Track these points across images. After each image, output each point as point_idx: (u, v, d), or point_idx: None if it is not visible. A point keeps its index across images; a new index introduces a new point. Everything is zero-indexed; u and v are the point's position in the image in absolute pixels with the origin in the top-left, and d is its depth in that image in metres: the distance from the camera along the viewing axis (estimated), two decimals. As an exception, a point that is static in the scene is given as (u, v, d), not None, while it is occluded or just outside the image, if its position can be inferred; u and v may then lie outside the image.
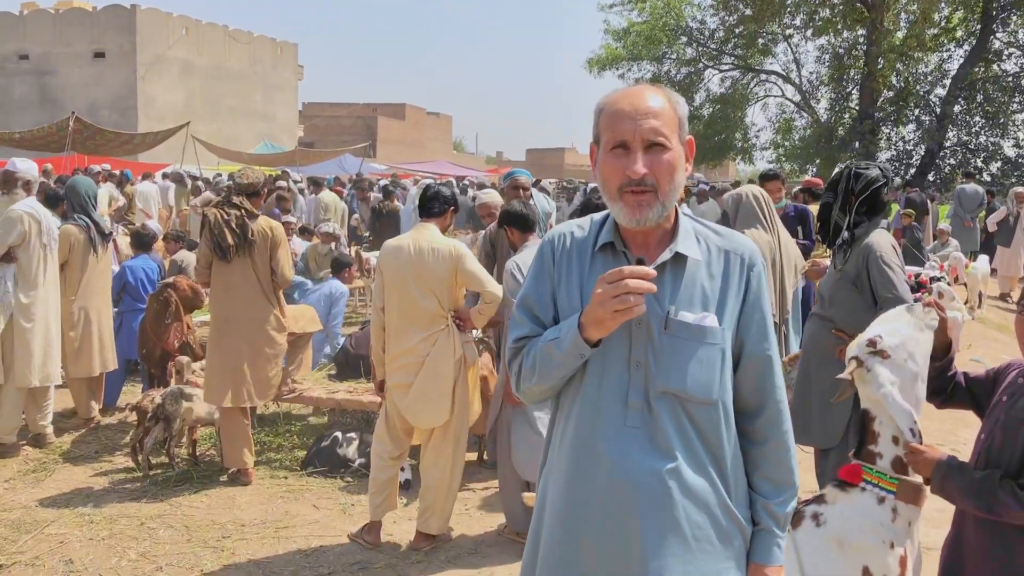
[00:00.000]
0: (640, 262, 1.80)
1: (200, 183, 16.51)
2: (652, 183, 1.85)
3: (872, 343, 2.69)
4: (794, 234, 7.30)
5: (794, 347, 5.49)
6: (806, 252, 6.95)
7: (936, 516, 5.03)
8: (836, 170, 4.48)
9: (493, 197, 7.04)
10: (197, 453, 6.05)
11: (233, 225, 5.46)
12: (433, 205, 4.68)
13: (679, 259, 1.92)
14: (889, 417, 2.67)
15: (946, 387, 2.82)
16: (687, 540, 1.86)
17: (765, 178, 7.69)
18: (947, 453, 2.61)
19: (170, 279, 6.95)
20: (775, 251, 5.40)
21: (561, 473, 1.96)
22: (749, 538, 1.97)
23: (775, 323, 5.42)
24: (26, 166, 6.36)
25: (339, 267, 8.95)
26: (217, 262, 5.48)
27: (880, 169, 4.31)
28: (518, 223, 4.87)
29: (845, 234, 4.32)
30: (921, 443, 2.64)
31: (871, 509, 2.65)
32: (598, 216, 2.06)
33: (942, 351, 2.79)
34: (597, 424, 1.90)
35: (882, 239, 4.24)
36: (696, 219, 2.02)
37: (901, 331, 2.71)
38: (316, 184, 16.73)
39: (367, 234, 15.21)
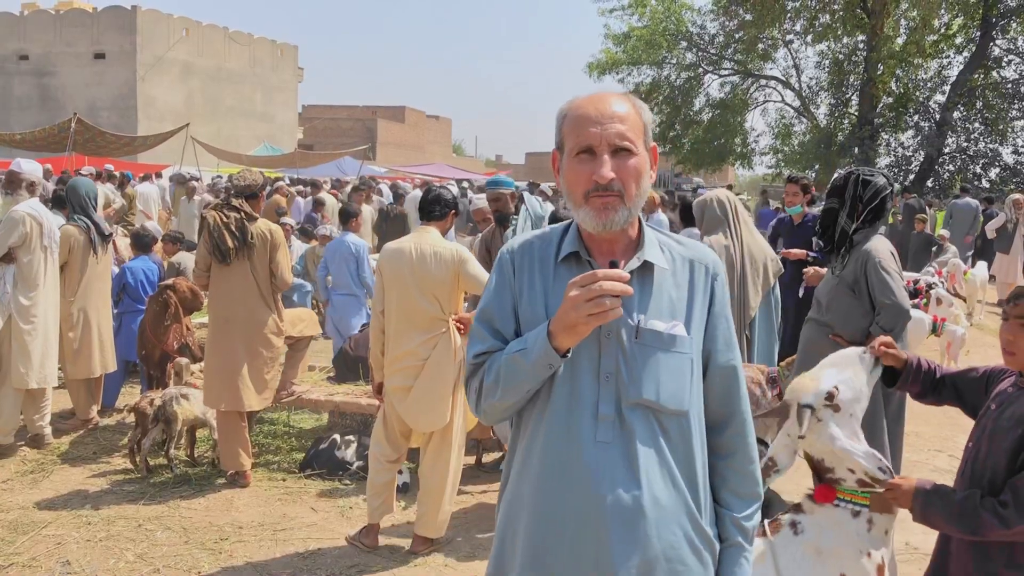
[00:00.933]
0: (613, 265, 1.75)
1: (194, 183, 16.43)
2: (619, 188, 1.81)
3: (831, 396, 2.66)
4: (807, 244, 7.17)
5: (760, 354, 5.42)
6: (821, 263, 6.83)
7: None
8: (835, 175, 4.46)
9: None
10: (195, 455, 6.05)
11: (232, 228, 5.46)
12: (434, 208, 4.68)
13: (646, 268, 1.88)
14: (833, 456, 2.67)
15: (931, 387, 2.84)
16: (659, 560, 1.82)
17: (787, 180, 7.59)
18: (921, 479, 2.60)
19: (169, 281, 6.95)
20: (733, 256, 5.33)
21: (528, 495, 1.89)
22: (717, 554, 1.93)
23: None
24: (31, 167, 6.35)
25: (347, 217, 8.67)
26: (216, 264, 5.48)
27: (884, 177, 4.32)
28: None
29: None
30: (892, 477, 2.62)
31: (846, 521, 2.66)
32: (559, 226, 2.01)
33: (903, 368, 2.84)
34: (567, 440, 1.83)
35: (881, 245, 4.25)
36: (658, 229, 1.99)
37: (854, 384, 2.71)
38: (315, 186, 16.84)
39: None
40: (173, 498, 5.40)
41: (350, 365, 7.33)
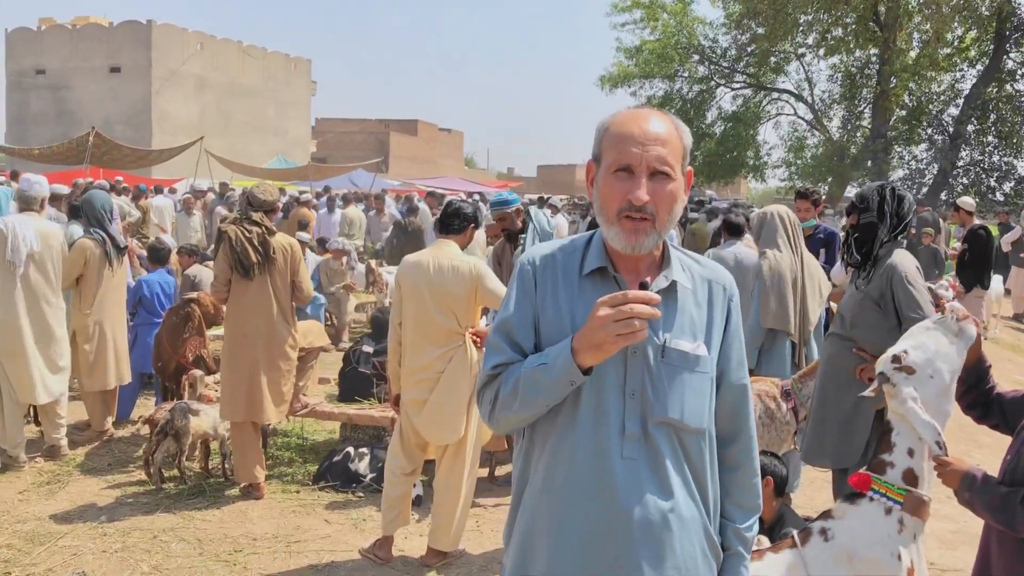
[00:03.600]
0: (643, 286, 1.75)
1: (212, 193, 16.52)
2: (652, 211, 1.82)
3: (897, 359, 2.71)
4: (816, 255, 7.21)
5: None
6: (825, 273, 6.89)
7: (950, 538, 5.01)
8: (856, 189, 4.48)
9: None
10: (209, 467, 6.07)
11: (256, 243, 5.50)
12: (453, 222, 4.68)
13: (671, 287, 1.90)
14: (908, 429, 2.70)
15: (982, 401, 2.85)
16: (680, 571, 1.86)
17: (797, 195, 7.63)
18: (974, 466, 2.64)
19: (193, 294, 6.99)
20: (796, 271, 5.39)
21: (552, 509, 1.89)
22: (721, 563, 1.99)
23: (794, 343, 5.41)
24: (35, 187, 6.34)
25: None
26: (237, 279, 5.51)
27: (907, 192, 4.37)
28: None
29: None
30: (947, 455, 2.65)
31: (878, 520, 2.69)
32: (580, 238, 2.01)
33: (974, 364, 2.81)
34: (595, 456, 1.84)
35: (905, 259, 4.25)
36: (677, 248, 2.01)
37: (928, 346, 2.72)
38: (345, 200, 17.05)
39: (378, 246, 15.38)
40: (187, 510, 5.41)
41: (356, 383, 7.31)
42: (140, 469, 5.98)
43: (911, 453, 2.69)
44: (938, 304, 9.53)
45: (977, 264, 10.35)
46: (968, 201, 11.27)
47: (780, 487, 3.94)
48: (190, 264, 8.79)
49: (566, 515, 1.86)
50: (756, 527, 2.05)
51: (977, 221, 11.00)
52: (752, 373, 5.36)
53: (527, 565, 1.94)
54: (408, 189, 30.15)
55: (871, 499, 2.71)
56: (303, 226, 12.80)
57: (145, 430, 6.07)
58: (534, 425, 1.93)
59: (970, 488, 2.56)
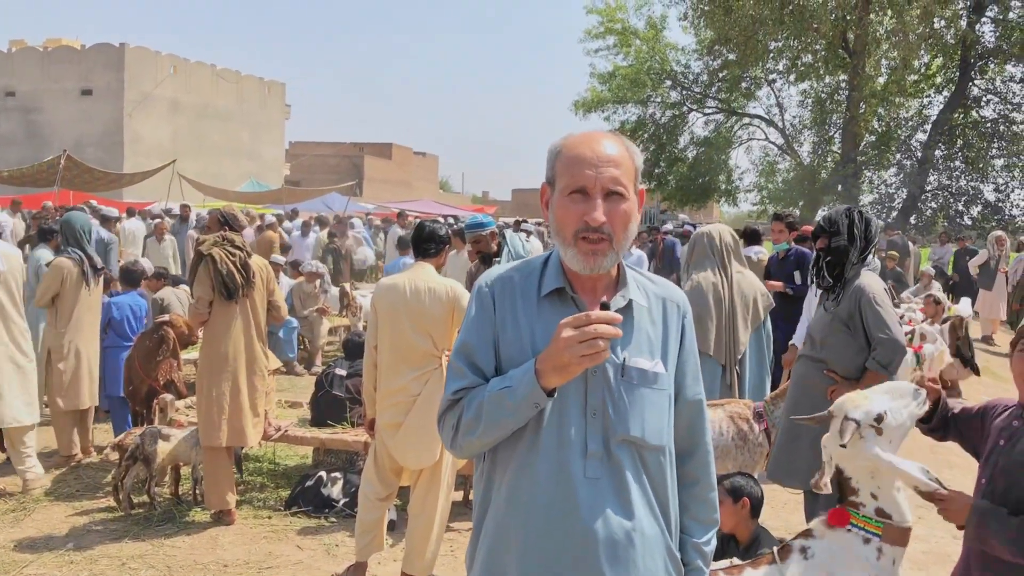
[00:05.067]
0: (603, 307, 1.77)
1: (168, 218, 16.10)
2: (609, 232, 1.84)
3: (879, 418, 2.70)
4: (789, 278, 7.27)
5: (751, 389, 5.46)
6: (799, 298, 6.93)
7: (921, 558, 5.03)
8: (824, 213, 4.53)
9: None
10: (180, 492, 5.98)
11: (239, 265, 5.48)
12: (429, 246, 4.67)
13: (628, 306, 1.92)
14: (864, 476, 2.72)
15: (941, 425, 2.87)
16: None
17: (773, 217, 7.74)
18: (974, 498, 2.61)
19: (166, 316, 6.93)
20: (721, 292, 5.36)
21: (518, 530, 1.88)
22: None
23: (723, 366, 5.39)
24: None
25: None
26: (219, 301, 5.47)
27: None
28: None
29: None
30: (942, 487, 2.63)
31: (857, 547, 2.71)
32: (536, 259, 2.02)
33: (933, 408, 2.85)
34: (558, 476, 1.84)
35: (873, 281, 4.31)
36: (631, 267, 2.02)
37: (902, 416, 2.73)
38: (320, 224, 17.12)
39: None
40: (157, 536, 5.33)
41: (328, 407, 7.22)
42: (109, 495, 5.88)
43: (875, 496, 2.72)
44: (908, 325, 9.65)
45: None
46: None
47: (756, 508, 3.94)
48: (159, 288, 8.70)
49: (530, 537, 1.87)
50: (714, 541, 2.07)
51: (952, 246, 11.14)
52: None
53: None
54: (383, 212, 30.14)
55: (849, 531, 2.72)
56: (282, 249, 12.79)
57: (114, 456, 5.98)
58: (496, 447, 1.93)
59: (979, 522, 2.51)
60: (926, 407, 2.80)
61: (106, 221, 12.21)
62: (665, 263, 14.56)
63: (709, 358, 5.25)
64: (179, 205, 17.97)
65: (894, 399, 2.78)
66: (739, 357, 5.38)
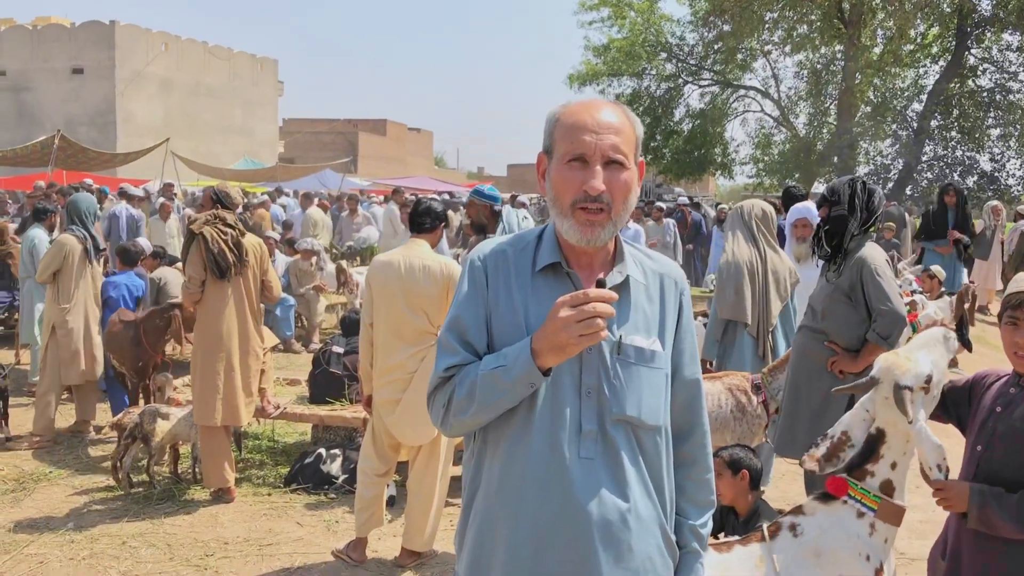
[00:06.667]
0: (600, 284, 1.73)
1: (163, 198, 15.93)
2: (608, 201, 1.78)
3: (929, 379, 2.61)
4: None
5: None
6: None
7: (920, 527, 5.06)
8: (834, 183, 4.48)
9: None
10: (179, 471, 5.99)
11: (231, 243, 5.46)
12: (424, 221, 4.65)
13: (624, 282, 1.87)
14: (900, 443, 2.65)
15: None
16: (639, 571, 1.83)
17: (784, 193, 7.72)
18: (971, 483, 2.57)
19: (176, 299, 6.93)
20: (755, 264, 5.40)
21: (510, 509, 1.83)
22: (677, 561, 1.97)
23: (754, 337, 5.43)
24: None
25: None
26: (211, 280, 5.45)
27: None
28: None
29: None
30: (947, 478, 2.58)
31: (849, 522, 2.68)
32: (530, 233, 1.96)
33: None
34: (552, 456, 1.79)
35: (875, 252, 4.29)
36: (628, 242, 1.97)
37: (941, 366, 2.68)
38: (307, 198, 16.94)
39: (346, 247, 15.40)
40: (157, 515, 5.34)
41: (326, 384, 7.22)
42: (108, 474, 5.89)
43: (894, 466, 2.66)
44: (905, 296, 9.64)
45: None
46: None
47: (755, 480, 3.95)
48: (155, 267, 8.67)
49: (522, 517, 1.82)
50: (710, 523, 2.04)
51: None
52: (712, 366, 5.39)
53: (482, 570, 1.89)
54: (378, 189, 30.03)
55: (844, 502, 2.69)
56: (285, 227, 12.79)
57: (113, 434, 5.99)
58: (487, 427, 1.87)
59: (981, 506, 2.48)
60: (956, 348, 2.75)
61: (131, 199, 12.92)
62: (692, 238, 15.54)
63: (744, 329, 5.33)
64: (163, 184, 17.92)
65: (932, 352, 2.68)
66: (771, 330, 5.44)
